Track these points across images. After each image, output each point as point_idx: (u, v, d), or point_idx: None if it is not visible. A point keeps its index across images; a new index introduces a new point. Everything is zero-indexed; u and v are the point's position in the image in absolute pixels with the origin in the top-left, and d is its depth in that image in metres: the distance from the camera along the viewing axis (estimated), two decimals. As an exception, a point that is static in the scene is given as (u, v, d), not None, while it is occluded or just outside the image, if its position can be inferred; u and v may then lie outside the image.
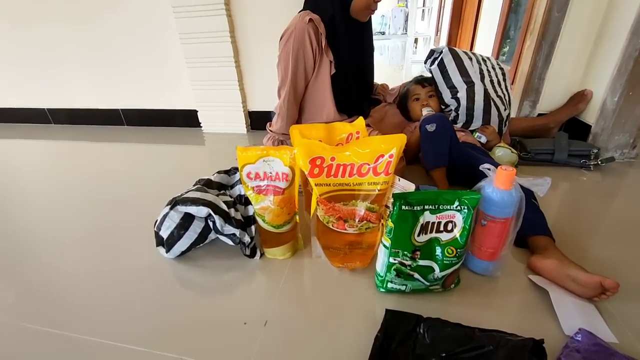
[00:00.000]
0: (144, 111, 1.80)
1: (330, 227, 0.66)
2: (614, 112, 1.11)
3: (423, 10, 5.32)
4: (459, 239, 0.59)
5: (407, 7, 8.88)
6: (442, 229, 0.60)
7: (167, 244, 0.72)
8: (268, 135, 1.22)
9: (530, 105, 1.37)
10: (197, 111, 1.66)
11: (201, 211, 0.70)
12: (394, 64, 4.97)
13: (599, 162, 1.10)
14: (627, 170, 1.12)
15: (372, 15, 1.05)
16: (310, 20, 0.93)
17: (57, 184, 1.25)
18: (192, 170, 1.31)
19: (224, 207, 0.73)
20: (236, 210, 0.77)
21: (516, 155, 1.09)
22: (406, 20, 8.88)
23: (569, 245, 0.77)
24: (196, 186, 0.80)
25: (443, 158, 0.94)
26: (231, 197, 0.82)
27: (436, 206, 0.59)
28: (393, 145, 0.62)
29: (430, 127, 0.92)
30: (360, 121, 0.78)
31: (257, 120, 1.64)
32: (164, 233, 0.72)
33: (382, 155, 0.63)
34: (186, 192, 0.76)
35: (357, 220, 0.65)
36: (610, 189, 1.03)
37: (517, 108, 1.40)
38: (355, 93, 1.11)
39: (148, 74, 1.68)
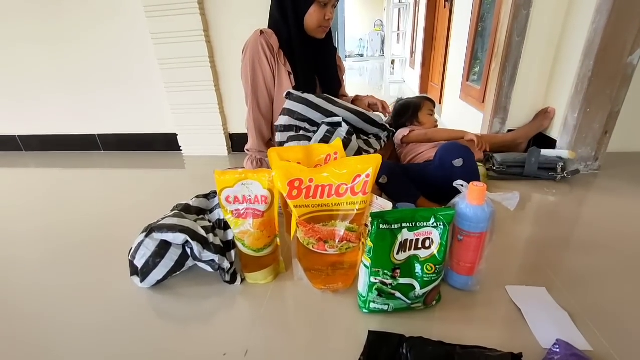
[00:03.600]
0: (122, 136, 1.77)
1: (311, 248, 0.66)
2: (575, 128, 1.19)
3: (398, 34, 5.60)
4: (437, 255, 0.60)
5: (382, 30, 9.36)
6: (420, 246, 0.61)
7: (141, 273, 0.69)
8: (247, 157, 1.23)
9: (500, 122, 1.45)
10: (176, 135, 1.65)
11: (178, 238, 0.68)
12: (374, 84, 5.17)
13: (566, 175, 1.16)
14: (592, 181, 1.19)
15: (334, 35, 1.12)
16: (262, 32, 1.01)
17: (29, 211, 1.19)
18: (172, 194, 1.28)
19: (202, 232, 0.71)
20: (215, 235, 0.75)
21: (484, 169, 1.15)
22: (383, 43, 9.33)
23: (545, 253, 0.79)
24: (173, 212, 0.79)
25: (413, 192, 0.96)
26: (210, 221, 0.80)
27: (413, 223, 0.61)
28: (369, 165, 0.64)
29: (383, 180, 0.92)
30: (337, 142, 0.80)
31: (238, 143, 1.64)
32: (139, 262, 0.69)
33: (359, 175, 0.64)
34: (163, 219, 0.74)
35: (337, 240, 0.65)
36: (578, 199, 1.08)
37: (489, 125, 1.48)
38: None
39: (126, 98, 1.67)
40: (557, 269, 0.75)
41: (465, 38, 2.00)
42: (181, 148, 1.67)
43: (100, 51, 1.59)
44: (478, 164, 1.15)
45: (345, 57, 9.18)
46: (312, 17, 1.00)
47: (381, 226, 0.58)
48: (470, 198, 0.63)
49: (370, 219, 0.58)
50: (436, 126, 1.28)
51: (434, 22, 3.31)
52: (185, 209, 0.81)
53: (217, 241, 0.73)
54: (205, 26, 1.42)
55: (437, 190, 1.00)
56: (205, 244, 0.70)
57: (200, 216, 0.82)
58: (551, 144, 1.30)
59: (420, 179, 0.99)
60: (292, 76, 1.07)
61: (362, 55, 9.99)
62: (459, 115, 2.06)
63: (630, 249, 0.80)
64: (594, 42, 1.08)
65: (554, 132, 1.31)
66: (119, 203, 1.23)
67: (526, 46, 1.31)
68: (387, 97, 4.19)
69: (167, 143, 1.71)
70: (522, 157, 1.24)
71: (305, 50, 1.05)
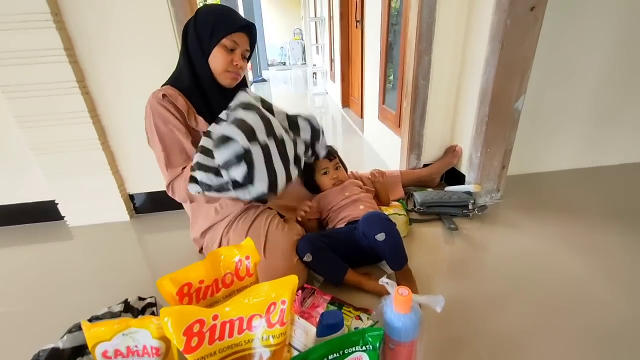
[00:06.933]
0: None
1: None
2: (479, 166, 1.28)
3: (317, 46, 5.67)
4: (369, 386, 0.54)
5: (302, 39, 9.45)
6: (350, 376, 0.54)
7: None
8: (175, 177, 0.93)
9: (415, 158, 1.50)
10: (55, 202, 1.32)
11: None
12: (299, 93, 5.16)
13: (477, 212, 1.25)
14: (496, 211, 1.30)
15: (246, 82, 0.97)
16: (164, 96, 0.84)
17: None
18: (57, 280, 1.02)
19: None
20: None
21: (406, 217, 1.16)
22: (304, 52, 9.42)
23: (470, 318, 0.79)
24: (31, 370, 0.58)
25: (340, 267, 0.90)
26: (91, 367, 0.61)
27: (341, 352, 0.53)
28: (283, 290, 0.54)
29: (307, 258, 0.86)
30: (248, 242, 0.69)
31: (143, 203, 1.40)
32: None
33: (274, 304, 0.54)
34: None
35: (255, 387, 0.54)
36: (486, 233, 1.17)
37: (406, 161, 1.52)
38: None
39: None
40: (482, 338, 0.75)
41: (377, 61, 2.05)
42: (64, 217, 1.35)
43: None
44: (399, 213, 1.15)
45: (268, 65, 9.02)
46: (217, 60, 0.86)
47: (304, 376, 0.49)
48: (397, 307, 0.58)
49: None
50: (340, 181, 1.15)
51: (348, 40, 3.39)
52: (51, 358, 0.61)
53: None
54: (79, 76, 1.15)
55: (365, 254, 0.96)
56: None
57: (77, 361, 0.62)
58: (462, 178, 1.40)
59: (347, 245, 0.94)
60: None
61: (284, 64, 9.96)
62: (379, 134, 2.11)
63: (540, 298, 0.87)
64: (487, 91, 1.17)
65: (463, 168, 1.40)
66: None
67: (431, 89, 1.37)
68: (313, 109, 4.17)
69: (42, 212, 1.36)
70: (439, 196, 1.29)
71: (221, 101, 0.88)
